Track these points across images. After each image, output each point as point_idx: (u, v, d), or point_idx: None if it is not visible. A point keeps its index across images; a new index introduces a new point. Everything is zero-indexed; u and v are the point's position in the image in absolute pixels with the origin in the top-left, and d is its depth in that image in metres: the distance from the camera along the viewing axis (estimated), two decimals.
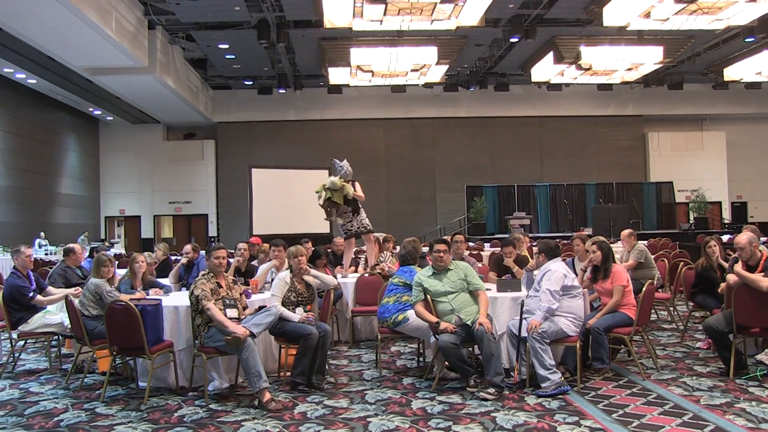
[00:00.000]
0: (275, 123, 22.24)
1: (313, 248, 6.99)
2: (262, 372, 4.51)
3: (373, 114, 22.29)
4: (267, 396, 4.47)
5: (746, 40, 15.87)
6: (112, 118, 21.78)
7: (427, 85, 20.07)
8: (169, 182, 22.55)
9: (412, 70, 16.86)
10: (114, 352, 4.93)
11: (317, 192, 7.60)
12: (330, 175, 16.15)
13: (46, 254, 13.61)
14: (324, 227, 16.39)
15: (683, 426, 3.92)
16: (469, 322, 4.80)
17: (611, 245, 5.60)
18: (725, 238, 12.44)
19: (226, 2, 13.49)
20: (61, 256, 7.93)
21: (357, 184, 7.70)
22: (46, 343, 6.09)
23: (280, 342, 5.25)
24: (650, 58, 16.35)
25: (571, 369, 4.99)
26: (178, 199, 22.75)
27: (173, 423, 4.23)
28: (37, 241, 14.52)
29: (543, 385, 4.62)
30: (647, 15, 12.89)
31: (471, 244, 13.44)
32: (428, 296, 5.03)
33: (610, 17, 13.15)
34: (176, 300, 5.42)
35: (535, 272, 5.39)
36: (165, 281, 6.64)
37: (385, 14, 12.34)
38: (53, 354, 6.05)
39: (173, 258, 8.37)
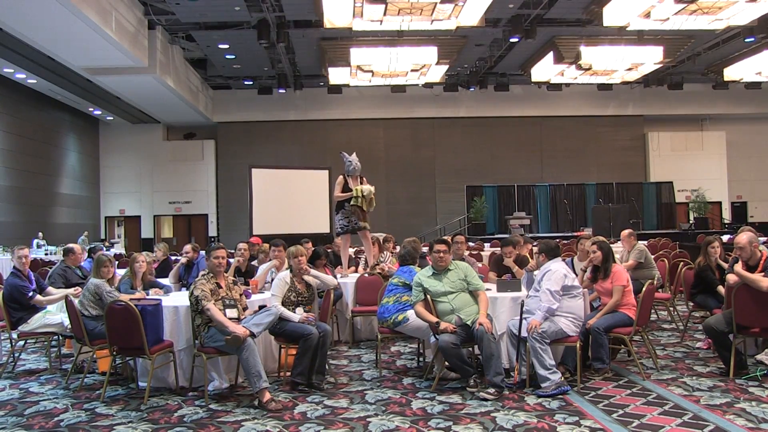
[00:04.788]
0: (275, 123, 22.23)
1: (313, 248, 6.99)
2: (262, 372, 4.51)
3: (373, 114, 22.29)
4: (267, 396, 4.46)
5: (746, 40, 15.87)
6: (112, 118, 21.77)
7: (427, 85, 20.07)
8: (169, 182, 22.55)
9: (412, 70, 16.86)
10: (114, 352, 4.93)
11: (354, 197, 7.38)
12: (330, 174, 16.37)
13: (46, 254, 13.60)
14: (324, 227, 16.44)
15: (683, 426, 3.92)
16: (469, 322, 4.80)
17: (611, 245, 5.60)
18: (725, 238, 12.43)
19: (226, 2, 13.48)
20: (60, 256, 7.93)
21: (364, 180, 7.67)
22: (46, 343, 6.09)
23: (280, 342, 5.25)
24: (650, 58, 16.35)
25: (571, 369, 4.99)
26: (178, 199, 22.75)
27: (173, 423, 4.23)
28: (36, 241, 14.50)
29: (543, 385, 4.62)
30: (647, 15, 12.88)
31: (471, 244, 13.44)
32: (428, 296, 5.03)
33: (610, 17, 13.15)
34: (176, 300, 5.42)
35: (535, 272, 5.39)
36: (165, 281, 6.64)
37: (385, 14, 12.33)
38: (53, 354, 6.06)
39: (173, 258, 8.37)
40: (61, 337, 5.93)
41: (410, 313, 5.11)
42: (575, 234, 16.24)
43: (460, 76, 20.43)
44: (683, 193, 21.79)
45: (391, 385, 5.05)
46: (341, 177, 7.59)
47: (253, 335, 4.62)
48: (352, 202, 7.41)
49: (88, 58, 13.92)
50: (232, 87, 21.67)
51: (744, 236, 5.11)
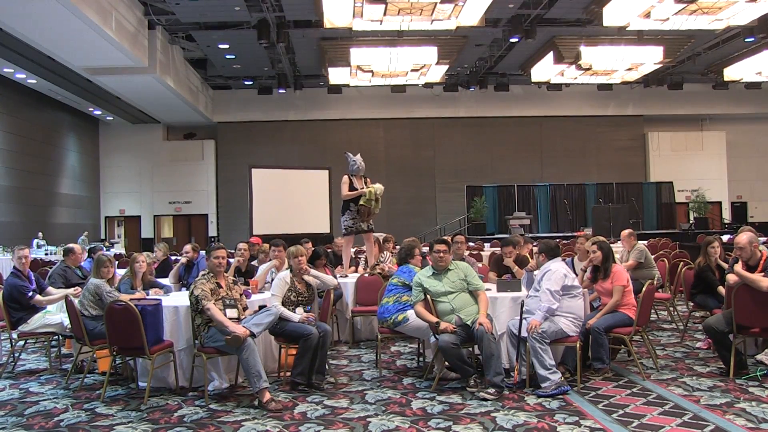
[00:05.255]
0: (275, 123, 22.24)
1: (313, 248, 6.99)
2: (262, 372, 4.51)
3: (373, 114, 22.30)
4: (267, 396, 4.47)
5: (746, 40, 15.87)
6: (112, 118, 21.77)
7: (427, 85, 20.07)
8: (169, 182, 22.54)
9: (412, 70, 16.85)
10: (114, 352, 4.93)
11: (367, 199, 7.33)
12: (330, 174, 16.36)
13: (46, 254, 13.59)
14: (324, 227, 16.44)
15: (683, 426, 3.93)
16: (469, 322, 4.80)
17: (611, 245, 5.60)
18: (725, 238, 12.43)
19: (226, 2, 13.48)
20: (60, 256, 7.93)
21: (368, 181, 7.66)
22: (46, 343, 6.09)
23: (280, 342, 5.25)
24: (650, 58, 16.34)
25: (571, 369, 4.99)
26: (178, 199, 22.75)
27: (173, 423, 4.23)
28: (35, 241, 14.50)
29: (543, 385, 4.62)
30: (647, 15, 12.88)
31: (471, 244, 13.44)
32: (428, 296, 5.03)
33: (610, 17, 13.15)
34: (176, 300, 5.42)
35: (535, 272, 5.39)
36: (165, 281, 6.64)
37: (385, 14, 12.33)
38: (53, 354, 6.05)
39: (173, 258, 8.36)
40: (61, 337, 5.94)
41: (410, 313, 5.11)
42: (575, 234, 16.25)
43: (460, 76, 20.43)
44: (683, 193, 21.79)
45: (391, 385, 5.05)
46: (346, 177, 7.57)
47: (253, 335, 4.62)
48: (361, 201, 7.37)
49: (88, 58, 13.91)
50: (232, 87, 21.66)
51: (744, 236, 5.11)
